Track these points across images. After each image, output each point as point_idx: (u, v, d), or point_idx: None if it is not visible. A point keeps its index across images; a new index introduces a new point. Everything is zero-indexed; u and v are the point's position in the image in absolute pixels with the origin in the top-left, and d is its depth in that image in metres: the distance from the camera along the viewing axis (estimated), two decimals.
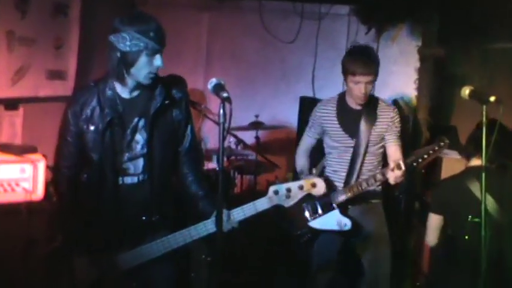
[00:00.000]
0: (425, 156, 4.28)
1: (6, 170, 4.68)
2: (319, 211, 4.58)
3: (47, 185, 4.83)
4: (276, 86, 6.97)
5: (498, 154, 4.02)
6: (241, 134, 6.24)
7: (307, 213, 4.61)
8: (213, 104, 6.26)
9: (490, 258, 3.73)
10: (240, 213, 3.50)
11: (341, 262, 4.70)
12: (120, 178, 3.54)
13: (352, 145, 4.55)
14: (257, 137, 6.27)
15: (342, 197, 4.54)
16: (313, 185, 3.50)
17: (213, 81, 3.29)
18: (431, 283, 5.24)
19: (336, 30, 6.53)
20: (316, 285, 4.67)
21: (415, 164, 4.29)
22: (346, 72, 4.45)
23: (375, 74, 4.41)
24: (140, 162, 3.54)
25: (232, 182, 6.07)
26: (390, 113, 4.56)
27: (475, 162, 4.30)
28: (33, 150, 4.90)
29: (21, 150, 4.84)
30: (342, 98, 4.64)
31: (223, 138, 3.13)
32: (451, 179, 4.54)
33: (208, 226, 3.49)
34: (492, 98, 3.68)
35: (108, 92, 3.48)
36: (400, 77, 6.25)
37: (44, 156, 4.80)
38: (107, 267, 3.52)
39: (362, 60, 4.39)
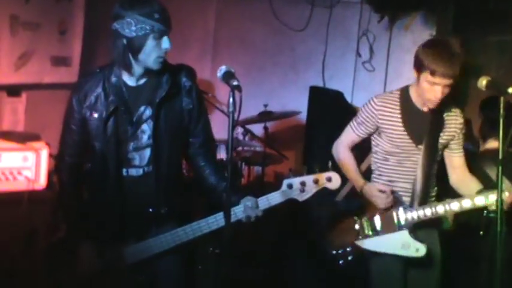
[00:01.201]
0: None
1: (8, 158, 4.68)
2: (378, 227, 3.89)
3: (50, 173, 4.81)
4: (285, 74, 6.88)
5: None
6: (249, 124, 6.15)
7: (357, 227, 3.93)
8: (221, 93, 6.19)
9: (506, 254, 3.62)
10: (241, 210, 3.41)
11: None
12: (125, 170, 3.44)
13: (417, 153, 3.90)
14: (265, 127, 6.20)
15: (412, 215, 3.86)
16: (329, 179, 3.41)
17: (223, 68, 3.19)
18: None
19: (348, 18, 6.43)
20: None
21: None
22: (422, 69, 3.75)
23: (456, 77, 3.76)
24: (147, 153, 3.44)
25: (239, 173, 6.00)
26: (459, 118, 3.99)
27: (491, 144, 4.22)
28: (36, 138, 4.90)
29: (23, 138, 4.84)
30: (406, 94, 3.94)
31: (233, 128, 3.03)
32: (468, 163, 4.34)
33: (219, 220, 3.40)
34: (510, 89, 3.56)
35: (114, 79, 3.39)
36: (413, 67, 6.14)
37: (47, 144, 4.79)
38: (111, 259, 3.45)
39: (447, 59, 3.70)
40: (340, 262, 3.94)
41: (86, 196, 3.56)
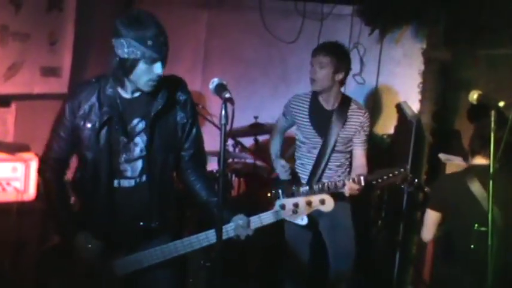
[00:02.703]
0: (385, 177, 4.44)
1: None
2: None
3: (39, 185, 4.76)
4: (276, 86, 6.86)
5: (506, 154, 3.89)
6: (239, 136, 6.13)
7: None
8: (212, 105, 6.17)
9: (496, 268, 3.62)
10: (232, 228, 3.41)
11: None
12: (116, 181, 3.43)
13: (320, 143, 4.69)
14: (256, 139, 6.19)
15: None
16: (322, 202, 3.47)
17: (215, 81, 3.20)
18: None
19: (339, 30, 6.41)
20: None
21: (374, 182, 4.45)
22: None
23: (330, 55, 4.63)
24: (138, 164, 3.43)
25: (229, 185, 5.97)
26: (360, 117, 4.68)
27: (478, 160, 4.20)
28: (25, 148, 4.89)
29: (13, 149, 4.82)
30: (315, 95, 4.75)
31: (225, 140, 3.03)
32: (452, 176, 4.47)
33: (210, 237, 3.39)
34: (501, 103, 3.60)
35: (109, 90, 3.37)
36: (403, 79, 6.16)
37: (37, 155, 4.75)
38: (103, 271, 3.43)
39: (320, 46, 4.77)
40: None
41: (74, 203, 3.55)
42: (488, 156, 3.97)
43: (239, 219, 3.40)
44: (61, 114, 3.43)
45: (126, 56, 3.21)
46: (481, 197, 4.04)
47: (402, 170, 4.44)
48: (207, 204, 3.52)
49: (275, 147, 5.02)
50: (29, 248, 4.63)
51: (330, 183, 4.58)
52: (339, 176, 4.73)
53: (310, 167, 4.75)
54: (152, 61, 3.22)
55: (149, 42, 3.18)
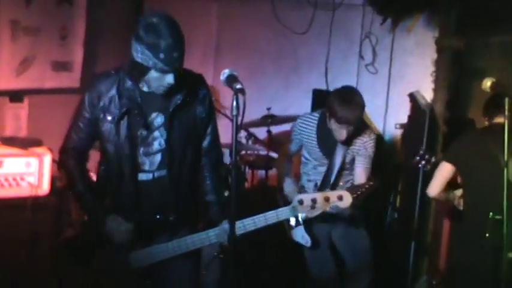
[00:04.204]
0: (359, 192, 4.30)
1: (11, 164, 4.67)
2: (291, 223, 4.71)
3: (53, 179, 4.78)
4: (288, 78, 6.86)
5: None
6: (252, 128, 6.14)
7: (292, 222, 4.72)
8: (224, 97, 6.17)
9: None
10: (250, 222, 3.41)
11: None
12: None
13: (327, 163, 4.71)
14: (269, 131, 6.17)
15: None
16: (340, 198, 3.45)
17: (226, 72, 3.17)
18: (449, 282, 5.12)
19: (350, 20, 6.40)
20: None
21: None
22: (330, 113, 4.47)
23: (358, 122, 4.49)
24: (157, 158, 3.42)
25: (242, 177, 5.99)
26: (363, 138, 4.65)
27: (498, 119, 4.17)
28: (38, 143, 4.89)
29: (26, 144, 4.82)
30: (323, 118, 4.65)
31: (237, 132, 3.01)
32: (470, 134, 4.49)
33: (211, 236, 3.42)
34: None
35: (128, 83, 3.36)
36: (416, 69, 6.14)
37: (50, 149, 4.77)
38: (119, 263, 3.44)
39: (350, 110, 4.39)
40: None
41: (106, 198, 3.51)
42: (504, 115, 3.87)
43: (225, 224, 3.37)
44: (80, 106, 3.42)
45: (139, 60, 3.20)
46: (496, 152, 3.97)
47: (372, 182, 4.34)
48: (207, 204, 3.54)
49: (284, 170, 4.96)
50: (44, 243, 4.64)
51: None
52: None
53: (317, 183, 4.77)
54: (163, 72, 3.21)
55: (161, 56, 3.15)
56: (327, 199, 3.41)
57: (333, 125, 4.47)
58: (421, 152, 4.49)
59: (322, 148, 4.69)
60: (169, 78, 3.23)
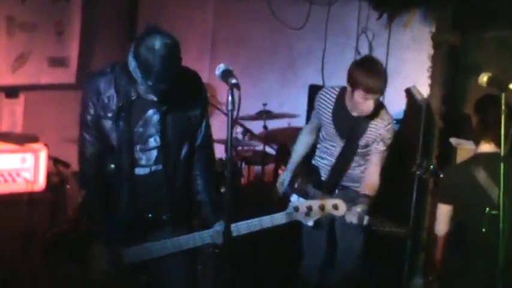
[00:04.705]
0: (386, 229, 4.36)
1: (7, 160, 4.67)
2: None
3: (49, 175, 4.78)
4: (284, 73, 6.85)
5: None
6: (248, 124, 6.13)
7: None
8: (220, 93, 6.17)
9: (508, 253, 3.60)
10: (244, 226, 3.42)
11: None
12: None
13: (342, 145, 4.57)
14: (265, 127, 6.16)
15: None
16: (335, 207, 3.49)
17: (221, 67, 3.17)
18: (445, 278, 5.12)
19: (347, 15, 6.39)
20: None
21: (372, 227, 4.36)
22: (355, 85, 4.28)
23: (384, 91, 4.38)
24: (153, 153, 3.43)
25: (239, 172, 5.98)
26: (381, 130, 4.48)
27: (483, 147, 4.15)
28: (34, 139, 4.89)
29: (22, 140, 4.83)
30: (342, 96, 4.51)
31: (232, 127, 3.02)
32: (458, 167, 4.45)
33: (204, 236, 3.44)
34: (511, 85, 3.57)
35: (125, 79, 3.35)
36: (412, 64, 6.11)
37: (46, 145, 4.78)
38: (115, 259, 3.45)
39: (378, 78, 4.27)
40: None
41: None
42: (492, 141, 4.01)
43: (218, 226, 3.39)
44: (83, 106, 3.42)
45: (131, 70, 3.23)
46: (486, 185, 4.02)
47: (404, 231, 4.41)
48: (199, 203, 3.54)
49: (298, 150, 4.80)
50: (39, 238, 4.63)
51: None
52: (359, 176, 4.62)
53: (328, 166, 4.66)
54: (148, 93, 3.26)
55: (149, 83, 3.18)
56: (322, 207, 3.45)
57: (358, 97, 4.29)
58: (418, 161, 4.47)
59: (336, 126, 4.54)
60: (153, 97, 3.28)
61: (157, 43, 3.15)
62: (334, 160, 4.63)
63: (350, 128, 4.50)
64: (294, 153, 4.82)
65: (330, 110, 4.55)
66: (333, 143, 4.63)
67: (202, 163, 3.56)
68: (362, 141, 4.53)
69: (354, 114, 4.44)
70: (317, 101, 4.63)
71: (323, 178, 4.71)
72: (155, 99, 3.29)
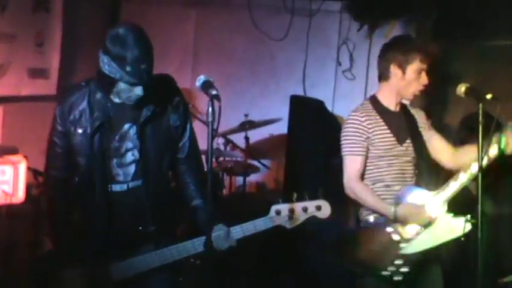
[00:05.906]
0: None
1: None
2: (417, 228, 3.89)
3: (28, 187, 4.74)
4: (266, 84, 6.85)
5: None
6: (230, 134, 6.11)
7: (396, 238, 3.89)
8: (201, 103, 6.15)
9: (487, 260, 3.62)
10: (239, 231, 3.39)
11: None
12: (108, 185, 3.37)
13: (402, 151, 4.01)
14: (246, 137, 6.15)
15: (440, 197, 3.91)
16: (318, 208, 3.40)
17: (201, 78, 3.18)
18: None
19: (328, 27, 6.43)
20: None
21: None
22: (409, 59, 3.96)
23: None
24: (131, 169, 3.39)
25: (221, 183, 5.95)
26: (418, 110, 4.22)
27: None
28: (13, 151, 4.84)
29: (0, 152, 4.75)
30: (375, 101, 4.08)
31: (213, 138, 3.02)
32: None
33: (196, 245, 3.36)
34: (489, 96, 3.62)
35: (99, 94, 3.32)
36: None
37: (25, 157, 4.74)
38: (98, 278, 3.38)
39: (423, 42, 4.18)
40: (399, 278, 3.86)
41: (74, 212, 3.46)
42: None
43: (218, 230, 3.35)
44: (53, 120, 3.39)
45: (106, 72, 3.17)
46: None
47: None
48: (195, 210, 3.48)
49: (371, 193, 3.95)
50: (19, 251, 4.60)
51: None
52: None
53: (398, 184, 3.98)
54: (131, 85, 3.19)
55: (128, 68, 3.12)
56: (304, 209, 3.38)
57: (413, 73, 3.95)
58: None
59: (392, 131, 3.98)
60: (138, 90, 3.21)
61: (123, 29, 3.17)
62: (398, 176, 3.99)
63: (403, 126, 4.06)
64: (370, 200, 3.96)
65: (378, 117, 4.01)
66: (391, 155, 3.99)
67: (191, 172, 3.52)
68: (420, 134, 4.11)
69: (407, 99, 4.10)
70: (358, 121, 3.98)
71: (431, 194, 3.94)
72: (140, 93, 3.20)
